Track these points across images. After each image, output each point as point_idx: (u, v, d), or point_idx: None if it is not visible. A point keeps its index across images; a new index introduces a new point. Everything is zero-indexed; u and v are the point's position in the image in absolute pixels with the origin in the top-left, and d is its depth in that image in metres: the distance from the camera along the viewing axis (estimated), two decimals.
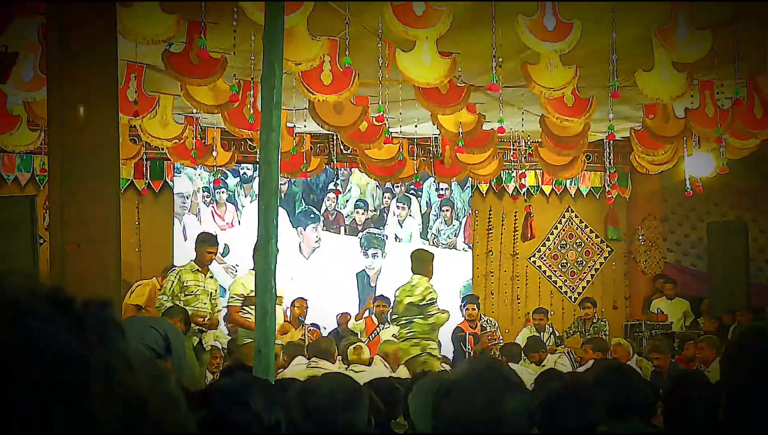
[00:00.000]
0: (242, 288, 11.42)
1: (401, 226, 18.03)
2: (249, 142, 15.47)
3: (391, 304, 12.66)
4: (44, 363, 0.92)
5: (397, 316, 12.13)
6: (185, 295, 11.30)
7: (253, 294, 10.95)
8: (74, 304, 1.00)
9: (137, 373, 0.99)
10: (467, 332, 14.84)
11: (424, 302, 11.92)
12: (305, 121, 13.30)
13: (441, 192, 18.01)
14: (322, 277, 17.34)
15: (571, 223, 18.74)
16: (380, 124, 12.24)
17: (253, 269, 11.10)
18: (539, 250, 18.40)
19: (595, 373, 5.16)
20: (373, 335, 14.60)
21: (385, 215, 17.96)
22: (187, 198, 16.79)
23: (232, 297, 11.51)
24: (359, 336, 14.44)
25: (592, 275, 18.72)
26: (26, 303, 0.96)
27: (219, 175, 15.69)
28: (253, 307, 11.23)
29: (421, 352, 11.86)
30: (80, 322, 0.97)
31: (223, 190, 16.83)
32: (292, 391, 4.15)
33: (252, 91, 11.48)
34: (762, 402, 2.23)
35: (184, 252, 16.55)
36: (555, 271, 18.54)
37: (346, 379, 4.07)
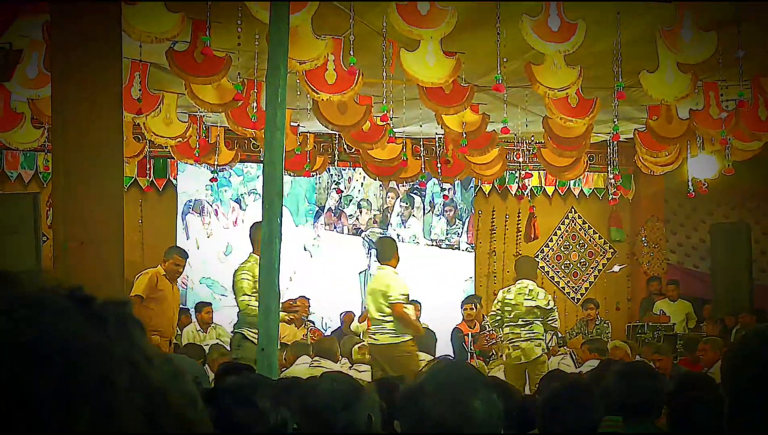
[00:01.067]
0: (405, 288, 11.51)
1: (404, 227, 18.02)
2: (253, 141, 15.48)
3: (501, 306, 12.58)
4: (68, 357, 0.94)
5: (510, 317, 12.33)
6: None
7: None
8: (94, 301, 1.02)
9: (158, 369, 1.01)
10: (466, 333, 14.84)
11: (548, 307, 12.53)
12: (309, 120, 13.30)
13: (445, 192, 18.03)
14: (325, 276, 17.35)
15: (574, 224, 18.75)
16: (384, 123, 12.23)
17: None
18: (542, 251, 18.39)
19: (616, 371, 5.12)
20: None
21: (388, 215, 17.96)
22: (191, 197, 16.79)
23: (397, 296, 11.38)
24: (361, 336, 14.44)
25: (595, 276, 18.73)
26: (48, 300, 0.98)
27: (217, 174, 15.66)
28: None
29: (541, 352, 12.46)
30: (101, 318, 0.99)
31: (226, 188, 16.83)
32: (293, 390, 4.15)
33: (256, 90, 11.48)
34: (765, 407, 2.22)
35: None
36: (558, 272, 18.55)
37: (345, 377, 4.06)
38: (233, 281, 11.04)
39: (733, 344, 2.47)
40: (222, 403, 3.37)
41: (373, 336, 11.52)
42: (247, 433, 3.40)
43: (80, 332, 0.96)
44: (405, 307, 11.38)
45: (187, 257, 12.28)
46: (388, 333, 11.36)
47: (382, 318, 11.38)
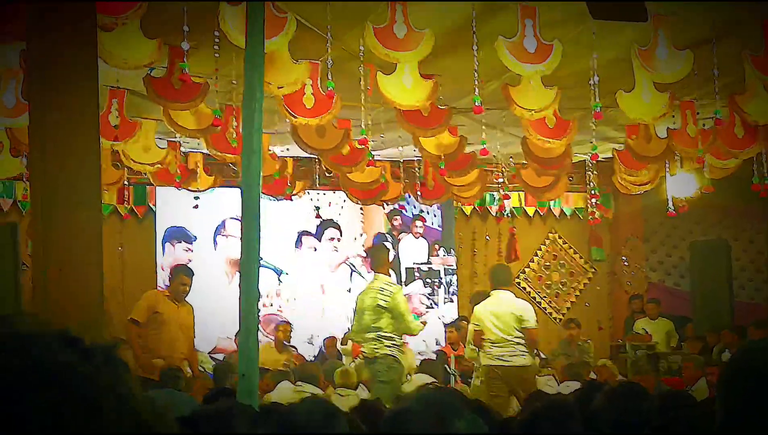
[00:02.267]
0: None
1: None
2: (232, 166, 15.47)
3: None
4: (60, 386, 0.95)
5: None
6: None
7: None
8: (81, 342, 1.04)
9: (143, 404, 1.03)
10: (450, 355, 14.83)
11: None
12: (288, 144, 13.31)
13: (423, 214, 18.10)
14: (307, 300, 17.35)
15: (555, 245, 18.79)
16: (363, 147, 12.25)
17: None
18: (524, 272, 18.42)
19: (607, 391, 5.13)
20: (358, 358, 14.56)
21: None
22: (171, 224, 16.77)
23: (533, 323, 12.02)
24: (343, 360, 14.43)
25: (576, 296, 18.76)
26: (38, 337, 1.00)
27: (198, 200, 15.64)
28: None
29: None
30: (89, 356, 1.01)
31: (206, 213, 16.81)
32: (271, 415, 4.14)
33: (234, 116, 11.48)
34: (759, 422, 2.22)
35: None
36: (539, 293, 18.57)
37: (321, 402, 4.06)
38: (386, 306, 11.31)
39: (729, 361, 2.47)
40: (200, 430, 3.36)
41: (503, 358, 11.77)
42: None
43: (71, 364, 0.97)
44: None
45: (193, 275, 12.06)
46: (521, 355, 11.81)
47: (515, 340, 11.79)
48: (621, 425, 4.75)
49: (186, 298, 11.83)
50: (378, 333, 11.43)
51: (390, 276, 12.04)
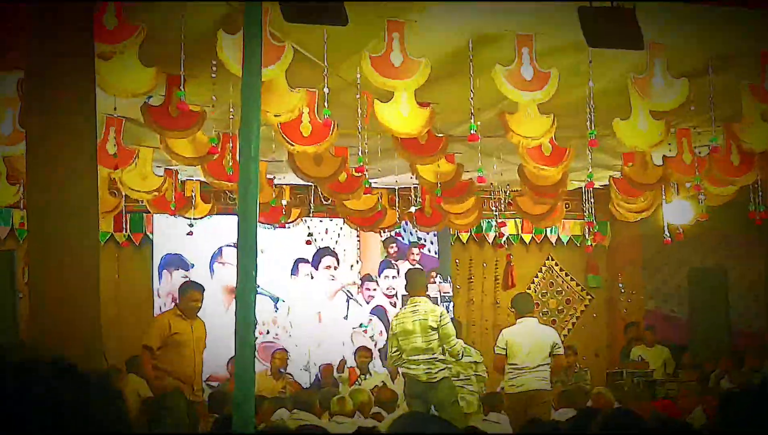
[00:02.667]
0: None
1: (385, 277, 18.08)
2: (229, 194, 15.49)
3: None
4: (53, 424, 0.96)
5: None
6: None
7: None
8: (75, 370, 1.04)
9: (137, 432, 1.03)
10: None
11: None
12: (285, 172, 13.32)
13: (421, 241, 18.11)
14: (304, 327, 17.34)
15: (552, 272, 18.80)
16: (360, 174, 12.27)
17: None
18: (524, 292, 18.40)
19: (601, 419, 5.12)
20: (355, 386, 14.55)
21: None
22: (168, 251, 16.77)
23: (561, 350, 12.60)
24: (340, 388, 14.41)
25: (573, 323, 18.75)
26: (33, 370, 1.00)
27: (193, 227, 15.61)
28: None
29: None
30: (85, 386, 1.01)
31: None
32: None
33: (231, 144, 11.51)
34: None
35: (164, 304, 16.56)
36: (536, 320, 18.54)
37: (315, 429, 4.06)
38: (437, 327, 11.51)
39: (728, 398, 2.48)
40: None
41: (526, 384, 12.16)
42: None
43: (64, 396, 0.97)
44: None
45: (204, 290, 11.94)
46: (546, 380, 12.24)
47: (541, 366, 12.24)
48: None
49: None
50: (433, 356, 11.57)
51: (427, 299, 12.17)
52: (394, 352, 11.86)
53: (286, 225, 15.82)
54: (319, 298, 17.66)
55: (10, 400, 0.97)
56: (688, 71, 9.92)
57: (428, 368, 11.52)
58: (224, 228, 15.89)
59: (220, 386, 14.43)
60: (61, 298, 7.50)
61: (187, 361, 11.37)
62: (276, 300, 17.25)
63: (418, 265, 16.68)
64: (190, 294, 11.67)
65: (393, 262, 18.12)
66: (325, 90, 9.47)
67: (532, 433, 4.50)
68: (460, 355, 11.90)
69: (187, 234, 15.45)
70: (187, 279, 12.56)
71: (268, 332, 16.93)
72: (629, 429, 4.92)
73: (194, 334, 11.48)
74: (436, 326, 11.57)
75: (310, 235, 17.27)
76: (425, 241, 18.32)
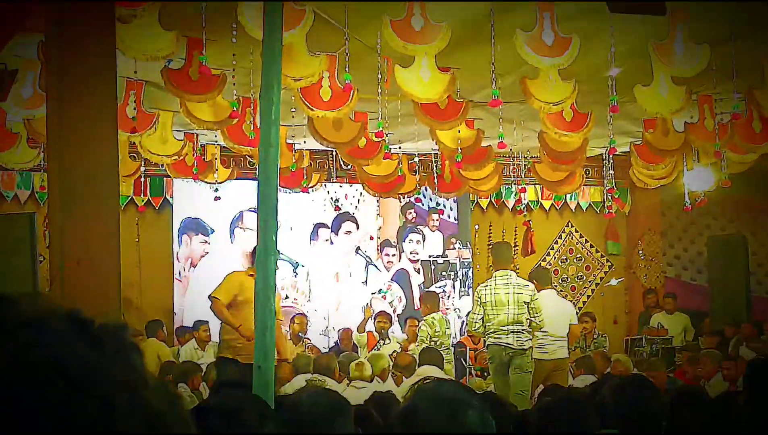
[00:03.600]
0: None
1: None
2: (249, 159, 15.50)
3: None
4: (69, 379, 0.95)
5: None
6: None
7: None
8: (92, 324, 1.03)
9: (155, 392, 1.02)
10: (468, 347, 14.83)
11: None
12: (305, 137, 13.32)
13: (441, 207, 18.11)
14: (323, 291, 17.39)
15: (572, 238, 18.77)
16: (379, 139, 12.25)
17: None
18: (540, 265, 18.39)
19: (614, 384, 5.13)
20: (374, 350, 14.57)
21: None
22: (188, 215, 16.80)
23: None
24: (359, 351, 14.45)
25: (593, 290, 18.74)
26: (47, 322, 0.99)
27: (218, 192, 15.60)
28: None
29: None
30: (99, 341, 1.00)
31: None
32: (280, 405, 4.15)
33: (252, 108, 11.50)
34: None
35: (183, 269, 16.61)
36: (556, 286, 18.53)
37: (329, 393, 4.06)
38: (529, 301, 11.74)
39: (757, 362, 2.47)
40: (209, 422, 3.37)
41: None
42: None
43: (80, 355, 0.97)
44: None
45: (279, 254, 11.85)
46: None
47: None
48: (627, 418, 4.75)
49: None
50: (522, 326, 11.74)
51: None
52: (479, 319, 11.99)
53: (307, 189, 15.82)
54: (338, 263, 17.67)
55: (21, 351, 0.96)
56: (710, 37, 9.87)
57: (518, 337, 11.74)
58: (245, 193, 15.88)
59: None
60: (82, 262, 7.53)
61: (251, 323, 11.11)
62: (296, 265, 17.28)
63: (500, 241, 16.69)
64: None
65: (417, 227, 18.13)
66: (346, 54, 9.47)
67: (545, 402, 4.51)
68: (541, 328, 12.06)
69: (215, 199, 15.44)
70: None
71: (287, 297, 16.96)
72: (640, 394, 4.92)
73: None
74: (529, 301, 11.79)
75: (336, 201, 17.27)
76: (444, 206, 18.31)
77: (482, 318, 11.89)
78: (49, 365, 0.95)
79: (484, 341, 12.33)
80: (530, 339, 11.84)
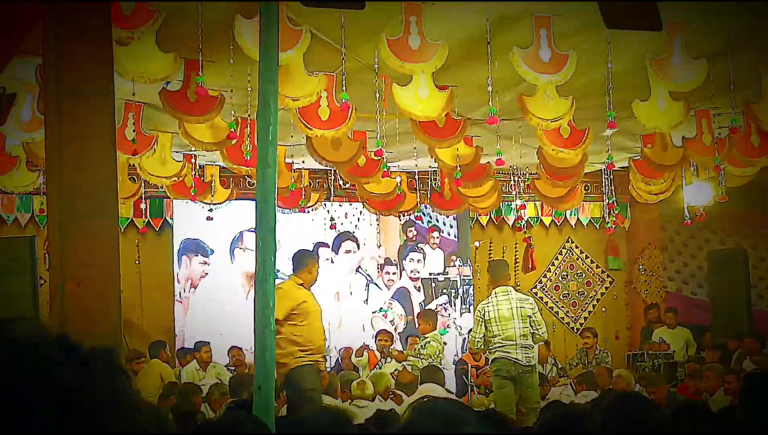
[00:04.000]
0: None
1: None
2: (248, 179, 15.51)
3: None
4: (61, 404, 0.95)
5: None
6: None
7: None
8: (80, 349, 1.03)
9: (145, 414, 1.03)
10: (470, 365, 14.81)
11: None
12: (303, 156, 13.33)
13: (439, 224, 18.12)
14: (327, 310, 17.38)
15: (572, 254, 18.77)
16: (379, 158, 12.27)
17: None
18: (540, 282, 18.40)
19: (608, 401, 5.14)
20: (376, 369, 14.55)
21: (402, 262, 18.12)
22: (188, 236, 16.81)
23: None
24: (360, 372, 14.43)
25: (594, 306, 18.73)
26: (36, 348, 1.00)
27: (212, 213, 15.65)
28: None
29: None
30: (88, 365, 1.01)
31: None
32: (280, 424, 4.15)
33: (250, 128, 11.52)
34: None
35: (184, 290, 16.60)
36: (557, 302, 18.54)
37: (333, 411, 4.06)
38: (526, 313, 11.82)
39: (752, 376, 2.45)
40: None
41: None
42: None
43: (70, 379, 0.97)
44: None
45: (318, 259, 11.70)
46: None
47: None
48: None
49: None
50: (529, 342, 11.88)
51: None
52: (480, 337, 12.06)
53: (306, 209, 15.82)
54: (339, 282, 17.66)
55: (14, 383, 0.96)
56: (707, 52, 9.88)
57: (526, 353, 11.83)
58: (245, 213, 15.89)
59: (237, 371, 14.45)
60: (82, 284, 7.52)
61: (317, 333, 10.75)
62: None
63: (497, 259, 16.73)
64: (308, 265, 11.01)
65: (418, 246, 18.13)
66: (343, 74, 9.48)
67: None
68: (545, 340, 12.10)
69: (207, 219, 15.50)
70: (300, 249, 11.89)
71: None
72: (638, 413, 4.92)
73: (315, 303, 10.89)
74: (531, 314, 11.92)
75: (332, 220, 17.26)
76: (444, 224, 18.31)
77: (483, 336, 11.95)
78: (40, 391, 0.95)
79: (487, 358, 12.32)
80: (536, 356, 12.00)
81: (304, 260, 10.85)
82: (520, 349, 11.79)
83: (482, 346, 12.06)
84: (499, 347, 11.86)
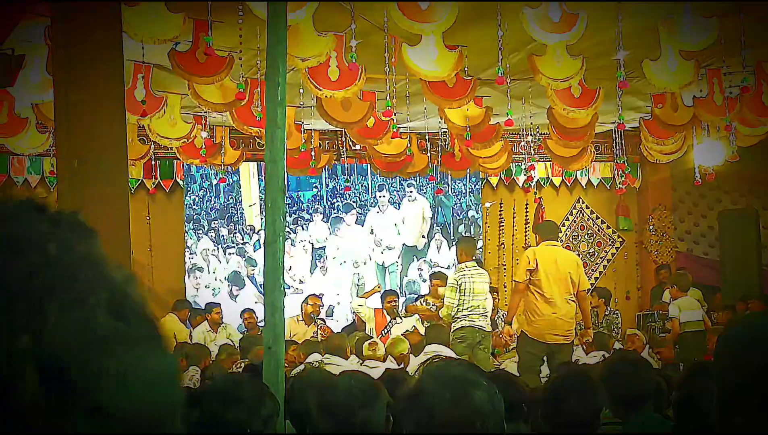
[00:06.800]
0: None
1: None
2: (257, 140, 15.49)
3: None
4: (37, 253, 0.98)
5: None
6: None
7: None
8: (47, 209, 1.06)
9: (115, 270, 1.05)
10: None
11: None
12: (313, 118, 13.31)
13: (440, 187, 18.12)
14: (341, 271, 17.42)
15: (582, 214, 18.73)
16: (388, 119, 12.24)
17: None
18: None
19: (606, 363, 5.18)
20: (384, 331, 14.55)
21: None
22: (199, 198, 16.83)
23: None
24: (366, 327, 14.50)
25: (604, 266, 18.72)
26: (6, 209, 1.02)
27: (225, 174, 15.70)
28: None
29: None
30: (57, 222, 1.03)
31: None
32: (311, 388, 4.17)
33: (259, 89, 11.49)
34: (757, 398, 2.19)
35: (196, 253, 16.63)
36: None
37: (363, 376, 4.07)
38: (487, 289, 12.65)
39: (724, 336, 2.43)
40: (208, 404, 3.40)
41: None
42: (235, 430, 3.43)
43: (43, 233, 1.00)
44: None
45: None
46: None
47: None
48: (618, 397, 4.79)
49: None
50: (486, 311, 12.67)
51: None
52: (455, 304, 12.59)
53: (316, 171, 15.81)
54: (352, 244, 17.66)
55: None
56: (718, 11, 9.82)
57: (486, 321, 12.69)
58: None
59: (248, 332, 14.48)
60: None
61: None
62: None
63: (465, 235, 16.96)
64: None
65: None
66: (353, 34, 9.45)
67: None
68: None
69: (219, 181, 15.57)
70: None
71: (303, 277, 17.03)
72: (628, 370, 4.96)
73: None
74: (488, 288, 12.81)
75: (346, 181, 17.20)
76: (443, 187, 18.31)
77: (458, 304, 12.58)
78: (17, 240, 0.98)
79: (452, 324, 12.62)
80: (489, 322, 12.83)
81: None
82: (481, 318, 12.55)
83: (459, 315, 12.63)
84: (466, 316, 12.51)
